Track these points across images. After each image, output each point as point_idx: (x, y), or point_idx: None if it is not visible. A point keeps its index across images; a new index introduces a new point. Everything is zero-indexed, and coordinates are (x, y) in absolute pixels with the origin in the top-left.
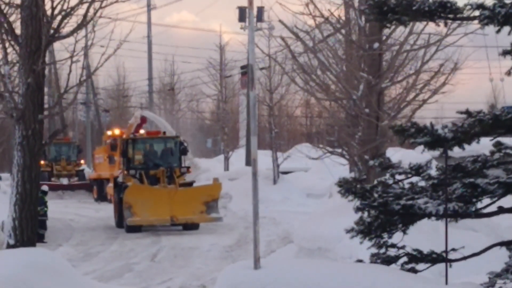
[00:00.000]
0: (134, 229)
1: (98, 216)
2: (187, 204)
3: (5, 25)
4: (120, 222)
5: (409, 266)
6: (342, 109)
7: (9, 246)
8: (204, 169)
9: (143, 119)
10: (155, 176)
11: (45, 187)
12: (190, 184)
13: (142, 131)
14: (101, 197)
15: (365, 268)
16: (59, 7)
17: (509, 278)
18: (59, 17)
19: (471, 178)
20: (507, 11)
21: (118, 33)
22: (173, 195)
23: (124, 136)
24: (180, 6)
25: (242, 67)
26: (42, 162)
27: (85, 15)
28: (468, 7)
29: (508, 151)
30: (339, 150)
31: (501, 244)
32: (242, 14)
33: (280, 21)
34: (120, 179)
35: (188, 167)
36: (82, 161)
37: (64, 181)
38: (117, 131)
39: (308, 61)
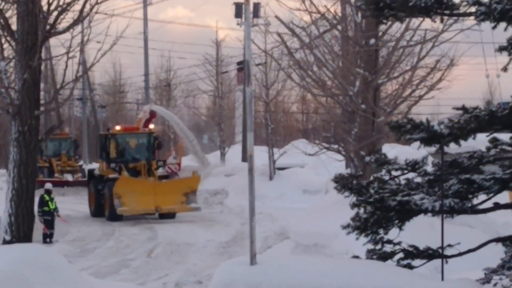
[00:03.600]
0: (115, 218)
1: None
2: (169, 195)
3: (1, 20)
4: (96, 211)
5: (405, 262)
6: (338, 105)
7: (5, 242)
8: (214, 165)
9: (152, 114)
10: (135, 169)
11: (49, 185)
12: (166, 176)
13: (151, 126)
14: None
15: (361, 264)
16: (55, 3)
17: (505, 274)
18: (55, 13)
19: (467, 174)
20: (503, 7)
21: (114, 29)
22: (157, 187)
23: None
24: (175, 2)
25: (238, 63)
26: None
27: (81, 11)
28: (465, 3)
29: (504, 147)
30: (335, 146)
31: (497, 240)
32: (239, 10)
33: (276, 17)
34: (97, 172)
35: (164, 160)
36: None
37: (69, 177)
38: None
39: (304, 57)
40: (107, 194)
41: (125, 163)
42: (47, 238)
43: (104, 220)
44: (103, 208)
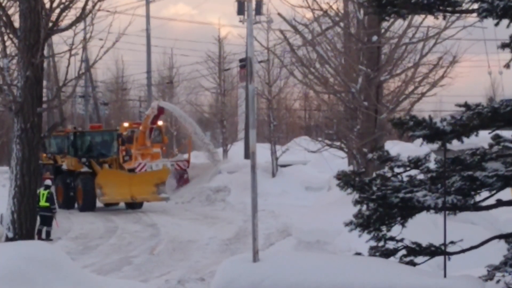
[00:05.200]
0: (89, 208)
1: (97, 209)
2: (142, 186)
3: (4, 18)
4: (64, 204)
5: (408, 259)
6: (340, 102)
7: (7, 239)
8: (225, 161)
9: (161, 110)
10: (104, 163)
11: (48, 182)
12: (133, 170)
13: (160, 122)
14: None
15: (364, 261)
16: (57, 0)
17: (508, 271)
18: (57, 10)
19: (470, 171)
20: (505, 4)
21: (116, 26)
22: (132, 179)
23: (141, 128)
24: None
25: (241, 60)
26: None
27: (83, 8)
28: (467, 0)
29: (506, 144)
30: (338, 143)
31: (499, 237)
32: (241, 7)
33: (278, 14)
34: (65, 167)
35: (130, 155)
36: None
37: None
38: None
39: (306, 54)
40: (81, 187)
41: (93, 157)
42: (41, 234)
43: (107, 217)
44: (72, 200)
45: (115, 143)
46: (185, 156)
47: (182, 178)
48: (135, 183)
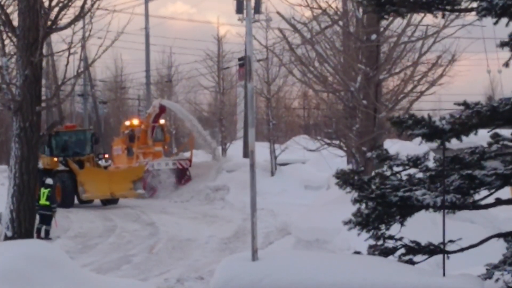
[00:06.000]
0: (68, 205)
1: (96, 208)
2: (121, 183)
3: (3, 16)
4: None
5: (407, 257)
6: (339, 101)
7: (6, 238)
8: (226, 159)
9: (162, 108)
10: (80, 161)
11: (49, 180)
12: (106, 167)
13: (162, 121)
14: None
15: (363, 260)
16: None
17: (507, 269)
18: (56, 9)
19: (469, 170)
20: (504, 3)
21: (115, 24)
22: (111, 176)
23: (143, 126)
24: None
25: (239, 59)
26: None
27: (82, 7)
28: None
29: (505, 142)
30: (337, 142)
31: (498, 235)
32: (240, 5)
33: (277, 12)
34: (41, 166)
35: (104, 153)
36: (106, 155)
37: None
38: (135, 121)
39: (305, 52)
40: (60, 185)
41: (68, 157)
42: (40, 232)
43: (106, 216)
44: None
45: (89, 142)
46: (187, 154)
47: (184, 177)
48: (113, 180)
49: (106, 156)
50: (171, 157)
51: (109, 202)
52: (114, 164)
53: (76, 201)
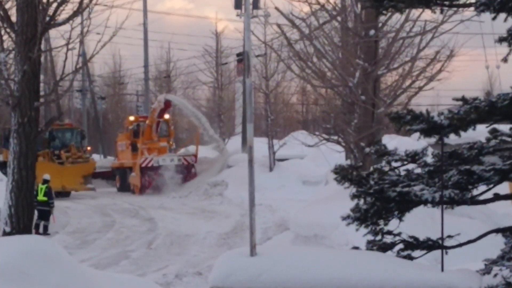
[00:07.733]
0: None
1: (95, 203)
2: (72, 177)
3: (1, 12)
4: None
5: (405, 253)
6: (338, 96)
7: (5, 234)
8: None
9: (168, 103)
10: (37, 156)
11: (47, 176)
12: (62, 163)
13: (166, 116)
14: (124, 187)
15: (361, 255)
16: None
17: (505, 265)
18: (54, 4)
19: (467, 165)
20: None
21: (113, 20)
22: (63, 171)
23: (148, 121)
24: None
25: (238, 55)
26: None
27: (80, 2)
28: None
29: (504, 138)
30: (335, 137)
31: (497, 231)
32: (238, 1)
33: (276, 8)
34: (1, 159)
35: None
36: (88, 148)
37: None
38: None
39: (304, 48)
40: None
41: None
42: (38, 228)
43: (104, 211)
44: None
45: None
46: (191, 149)
47: (189, 173)
48: (65, 174)
49: (89, 148)
50: (177, 152)
51: (61, 194)
52: (118, 160)
53: None
